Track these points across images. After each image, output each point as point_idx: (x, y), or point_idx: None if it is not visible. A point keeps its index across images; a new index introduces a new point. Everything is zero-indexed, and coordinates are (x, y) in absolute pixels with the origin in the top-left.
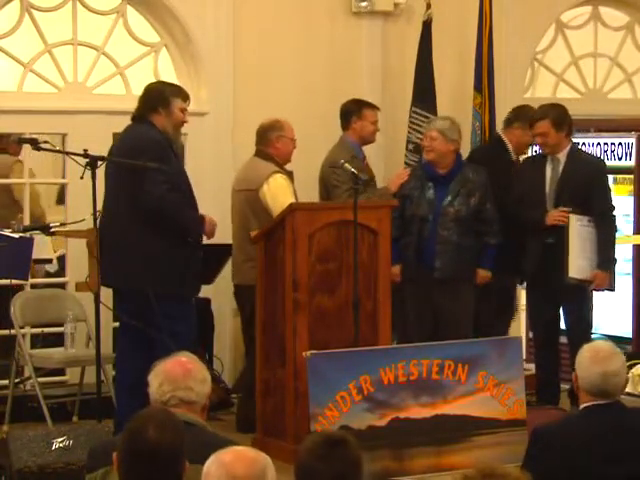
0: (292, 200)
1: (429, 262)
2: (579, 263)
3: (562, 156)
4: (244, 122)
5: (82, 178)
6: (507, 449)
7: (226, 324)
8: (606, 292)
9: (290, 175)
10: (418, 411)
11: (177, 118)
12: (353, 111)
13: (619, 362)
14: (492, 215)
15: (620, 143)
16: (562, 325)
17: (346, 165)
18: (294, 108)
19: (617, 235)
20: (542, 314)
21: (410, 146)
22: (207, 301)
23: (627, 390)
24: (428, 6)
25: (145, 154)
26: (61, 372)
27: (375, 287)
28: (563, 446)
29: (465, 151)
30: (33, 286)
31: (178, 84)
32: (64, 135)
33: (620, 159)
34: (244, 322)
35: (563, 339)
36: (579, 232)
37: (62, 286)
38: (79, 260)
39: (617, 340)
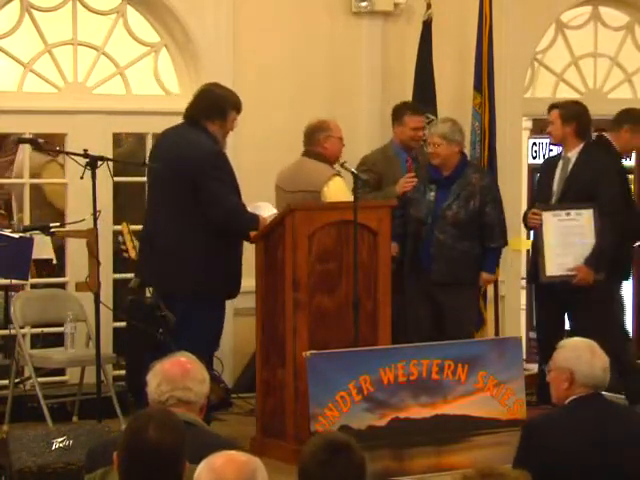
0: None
1: (426, 265)
2: (559, 261)
3: (573, 155)
4: (244, 122)
5: (82, 178)
6: (507, 449)
7: (226, 324)
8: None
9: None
10: (418, 411)
11: (229, 129)
12: (395, 116)
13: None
14: (493, 219)
15: None
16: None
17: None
18: (294, 108)
19: None
20: (547, 315)
21: None
22: None
23: None
24: (428, 6)
25: (215, 169)
26: (61, 372)
27: (375, 287)
28: (556, 437)
29: (465, 151)
30: (33, 286)
31: (233, 91)
32: (64, 135)
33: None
34: None
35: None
36: (556, 228)
37: (62, 286)
38: (79, 260)
39: None
